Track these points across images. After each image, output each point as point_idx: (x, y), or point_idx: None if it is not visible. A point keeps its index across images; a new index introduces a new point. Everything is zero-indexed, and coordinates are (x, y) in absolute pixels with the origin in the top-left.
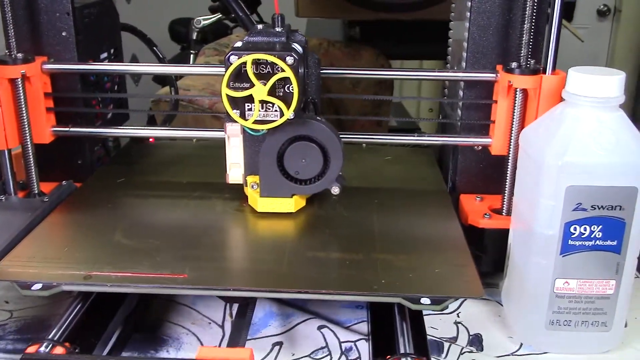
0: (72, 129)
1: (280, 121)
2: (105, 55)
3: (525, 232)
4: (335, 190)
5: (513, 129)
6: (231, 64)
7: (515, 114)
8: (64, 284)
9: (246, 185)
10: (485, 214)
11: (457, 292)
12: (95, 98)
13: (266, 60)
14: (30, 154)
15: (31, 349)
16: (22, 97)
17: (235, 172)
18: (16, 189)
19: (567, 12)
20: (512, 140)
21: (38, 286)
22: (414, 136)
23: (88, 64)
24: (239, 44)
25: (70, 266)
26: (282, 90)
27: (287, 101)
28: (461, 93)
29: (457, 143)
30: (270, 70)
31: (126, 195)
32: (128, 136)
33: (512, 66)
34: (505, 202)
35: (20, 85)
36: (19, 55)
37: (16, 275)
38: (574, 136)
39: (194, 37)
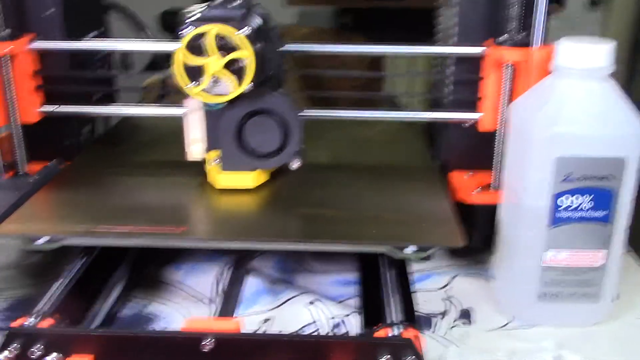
0: (59, 108)
1: (235, 93)
2: (94, 34)
3: (514, 205)
4: (295, 164)
5: (502, 103)
6: (184, 35)
7: (504, 88)
8: (68, 237)
9: (206, 162)
10: (475, 190)
11: (439, 241)
12: (84, 78)
13: (224, 33)
14: (17, 133)
15: (18, 322)
16: (8, 75)
17: (196, 148)
18: (2, 169)
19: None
20: (501, 115)
21: (43, 240)
22: (403, 113)
23: (76, 41)
24: (197, 16)
25: (72, 223)
26: (238, 64)
27: (242, 74)
28: (450, 69)
29: (445, 119)
30: (229, 45)
31: (115, 172)
32: (115, 114)
33: (501, 40)
34: (495, 177)
35: (6, 63)
36: (5, 32)
37: (21, 231)
38: (563, 107)
39: None
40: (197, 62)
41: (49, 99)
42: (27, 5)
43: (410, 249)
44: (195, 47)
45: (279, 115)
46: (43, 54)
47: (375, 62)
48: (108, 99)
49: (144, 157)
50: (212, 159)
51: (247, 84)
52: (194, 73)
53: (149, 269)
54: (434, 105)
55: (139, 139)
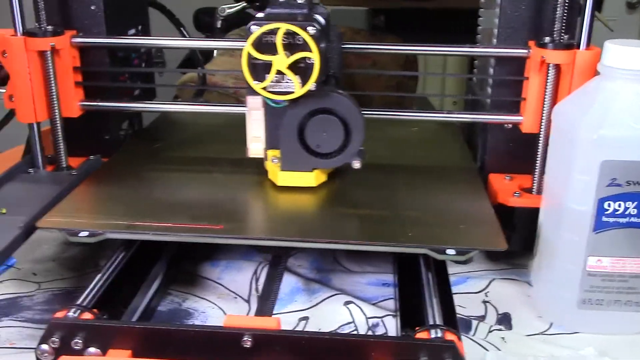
0: (100, 104)
1: (301, 92)
2: (133, 31)
3: (556, 209)
4: (357, 164)
5: (545, 105)
6: (252, 33)
7: (547, 90)
8: (109, 231)
9: (266, 159)
10: (515, 193)
11: (481, 244)
12: (124, 74)
13: (289, 30)
14: (59, 127)
15: (59, 314)
16: (51, 70)
17: (255, 145)
18: (45, 163)
19: (597, 3)
20: (544, 117)
21: (85, 234)
22: (442, 113)
23: (117, 37)
24: (260, 15)
25: (113, 218)
26: (304, 61)
27: (307, 73)
28: (491, 70)
29: (486, 121)
30: (293, 43)
31: (153, 168)
32: (154, 111)
33: (545, 41)
34: (535, 181)
35: (49, 58)
36: (49, 27)
37: (64, 224)
38: (609, 109)
39: (218, 26)
40: (265, 58)
41: (89, 95)
42: (70, 2)
43: (451, 251)
44: (261, 45)
45: (341, 115)
46: (84, 50)
47: (409, 63)
48: (147, 95)
49: (182, 153)
50: (272, 157)
51: (311, 83)
52: (259, 70)
53: (187, 265)
54: (472, 106)
55: (178, 135)
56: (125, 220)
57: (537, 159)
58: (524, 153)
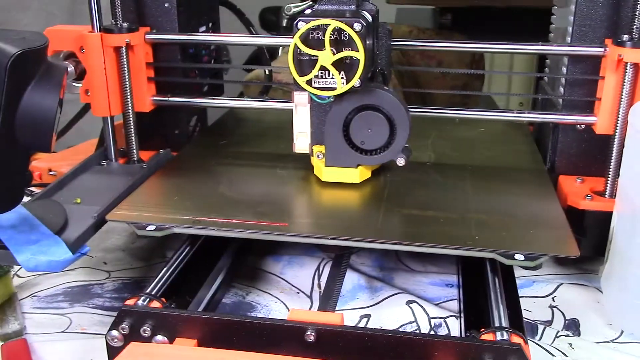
0: (171, 99)
1: (345, 88)
2: (203, 28)
3: (631, 213)
4: (401, 161)
5: (621, 106)
6: (298, 29)
7: (624, 90)
8: (175, 226)
9: (312, 155)
10: (587, 195)
11: (551, 250)
12: (193, 70)
13: (337, 27)
14: (131, 121)
15: (130, 302)
16: (125, 65)
17: (301, 141)
18: (117, 156)
19: None
20: (619, 118)
21: (152, 227)
22: (512, 112)
23: (188, 34)
24: (308, 11)
25: (179, 212)
26: (349, 58)
27: (353, 69)
28: (564, 69)
29: (558, 121)
30: (339, 39)
31: (221, 162)
32: (223, 106)
33: (624, 39)
34: (609, 184)
35: (124, 54)
36: (124, 24)
37: (132, 218)
38: None
39: (284, 24)
40: (312, 52)
41: (160, 90)
42: (144, 0)
43: (519, 256)
44: (308, 40)
45: (387, 112)
46: (157, 46)
47: (475, 63)
48: (215, 92)
49: (248, 148)
50: (317, 152)
51: (356, 80)
52: (304, 66)
53: (251, 259)
54: (542, 107)
55: (244, 131)
56: (192, 215)
57: (611, 161)
58: (596, 155)
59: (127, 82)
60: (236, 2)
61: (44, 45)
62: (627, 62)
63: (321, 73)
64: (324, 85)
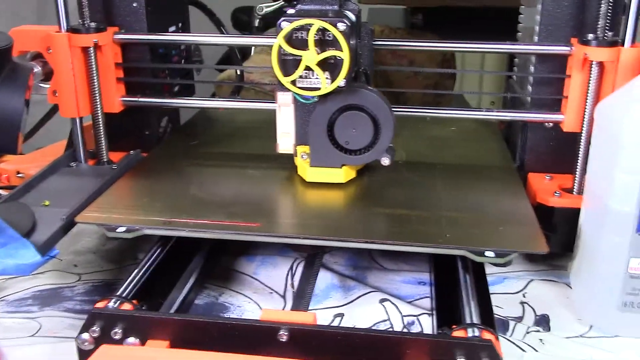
0: (140, 99)
1: (330, 88)
2: (173, 28)
3: (599, 209)
4: (386, 161)
5: (587, 104)
6: (282, 29)
7: (590, 88)
8: (146, 227)
9: (296, 155)
10: (555, 192)
11: (521, 246)
12: (163, 70)
13: (321, 27)
14: (101, 122)
15: (100, 304)
16: (93, 66)
17: (285, 141)
18: (86, 157)
19: None
20: (586, 116)
21: (122, 229)
22: (482, 111)
23: (158, 34)
24: (291, 11)
25: (150, 213)
26: (333, 58)
27: (337, 69)
28: (532, 68)
29: (527, 119)
30: (323, 39)
31: (192, 163)
32: (193, 107)
33: (589, 38)
34: (577, 181)
35: (92, 54)
36: (92, 24)
37: (102, 220)
38: None
39: (256, 24)
40: (295, 53)
41: (130, 91)
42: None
43: (490, 253)
44: (291, 40)
45: (371, 112)
46: (125, 47)
47: (446, 62)
48: (186, 92)
49: (220, 149)
50: (301, 153)
51: (340, 80)
52: (288, 66)
53: (224, 259)
54: (511, 105)
55: (215, 131)
56: (163, 216)
57: (579, 158)
58: (564, 152)
59: (96, 83)
60: (207, 2)
61: (9, 46)
62: (593, 61)
63: (305, 73)
64: (308, 85)
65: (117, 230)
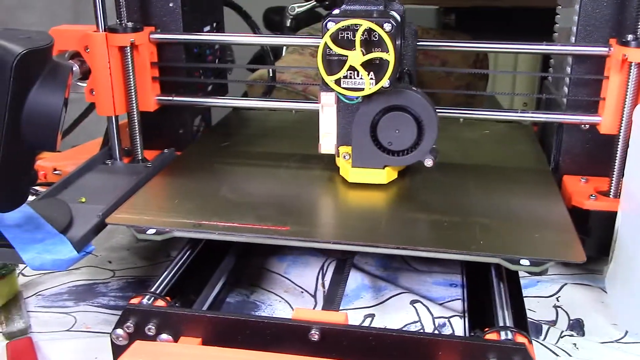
0: (175, 98)
1: (375, 88)
2: (208, 28)
3: (636, 214)
4: (429, 162)
5: (626, 105)
6: (328, 29)
7: (629, 90)
8: (176, 230)
9: (338, 156)
10: (591, 195)
11: (557, 255)
12: (198, 70)
13: (368, 28)
14: (136, 121)
15: (134, 300)
16: (130, 65)
17: (327, 141)
18: (122, 155)
19: None
20: (624, 118)
21: (152, 231)
22: (516, 112)
23: (193, 34)
24: (336, 11)
25: (180, 215)
26: (379, 58)
27: (382, 70)
28: (568, 69)
29: (563, 121)
30: (369, 39)
31: (225, 162)
32: (227, 106)
33: (628, 39)
34: (613, 184)
35: (129, 54)
36: (129, 24)
37: (132, 221)
38: None
39: (288, 25)
40: (342, 52)
41: (165, 90)
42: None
43: (525, 262)
44: (337, 40)
45: (415, 112)
46: (161, 46)
47: (479, 63)
48: (219, 91)
49: (252, 149)
50: (343, 153)
51: (385, 81)
52: (333, 66)
53: (255, 258)
54: (546, 107)
55: (247, 131)
56: (193, 218)
57: (616, 160)
58: (600, 154)
59: (132, 82)
60: (241, 3)
61: (50, 45)
62: (632, 62)
63: (350, 73)
64: (353, 86)
65: (147, 232)
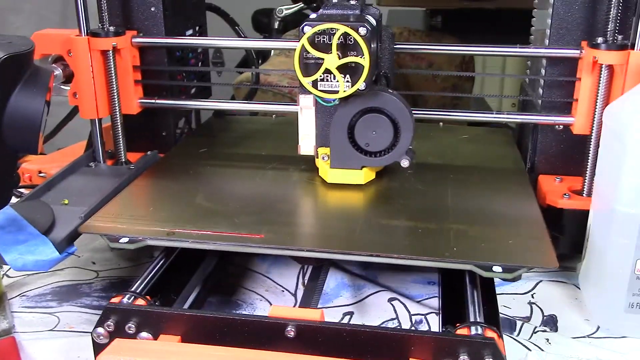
0: (157, 101)
1: (350, 91)
2: (190, 32)
3: (606, 212)
4: (405, 163)
5: (597, 106)
6: (304, 33)
7: (600, 91)
8: (149, 238)
9: (317, 157)
10: (565, 194)
11: (530, 262)
12: (181, 73)
13: (344, 32)
14: (119, 123)
15: (115, 300)
16: (112, 68)
17: (306, 143)
18: (105, 157)
19: None
20: (595, 119)
21: (125, 240)
22: (492, 114)
23: (175, 37)
24: (313, 15)
25: (154, 223)
26: (355, 62)
27: (357, 72)
28: (543, 71)
29: (537, 121)
30: (345, 43)
31: (207, 164)
32: (210, 109)
33: (598, 41)
34: (586, 183)
35: (111, 57)
36: (111, 28)
37: (105, 230)
38: None
39: (276, 27)
40: (319, 55)
41: (148, 93)
42: (131, 4)
43: (497, 268)
44: (314, 44)
45: (391, 114)
46: (144, 50)
47: (465, 64)
48: (203, 94)
49: (235, 150)
50: (322, 154)
51: (361, 83)
52: (310, 69)
53: (237, 258)
54: (524, 108)
55: (231, 134)
56: (167, 226)
57: (588, 160)
58: (574, 154)
59: (115, 85)
60: (229, 4)
61: (30, 50)
62: (602, 64)
63: (326, 76)
64: (329, 88)
65: (120, 241)
